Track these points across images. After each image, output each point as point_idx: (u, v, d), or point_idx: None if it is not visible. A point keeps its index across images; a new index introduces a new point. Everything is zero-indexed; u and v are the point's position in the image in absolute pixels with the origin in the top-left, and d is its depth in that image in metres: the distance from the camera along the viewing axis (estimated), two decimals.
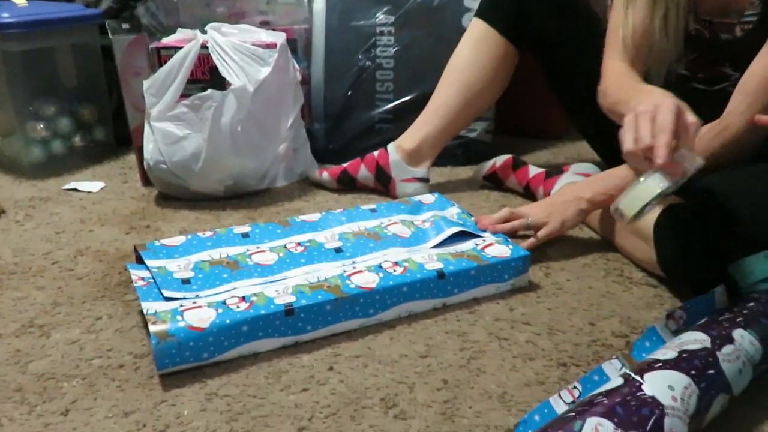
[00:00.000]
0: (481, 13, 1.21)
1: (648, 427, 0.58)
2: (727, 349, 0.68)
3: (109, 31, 1.25)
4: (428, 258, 0.90)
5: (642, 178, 0.76)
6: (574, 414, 0.59)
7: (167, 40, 1.26)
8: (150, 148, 1.19)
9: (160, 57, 1.22)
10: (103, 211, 1.20)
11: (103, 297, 0.91)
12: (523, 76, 1.27)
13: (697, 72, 1.05)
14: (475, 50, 1.21)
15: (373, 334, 0.83)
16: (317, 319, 0.80)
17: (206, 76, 1.23)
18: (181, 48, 1.18)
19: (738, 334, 0.71)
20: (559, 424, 0.58)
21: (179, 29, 1.30)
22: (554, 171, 1.24)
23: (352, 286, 0.83)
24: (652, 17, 0.96)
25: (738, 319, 0.73)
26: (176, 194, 1.23)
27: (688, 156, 0.74)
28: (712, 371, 0.66)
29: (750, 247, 0.80)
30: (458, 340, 0.82)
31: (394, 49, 1.43)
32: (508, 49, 1.19)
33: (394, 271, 0.87)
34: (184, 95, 1.18)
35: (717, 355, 0.67)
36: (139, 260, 0.92)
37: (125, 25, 1.38)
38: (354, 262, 0.90)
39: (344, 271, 0.86)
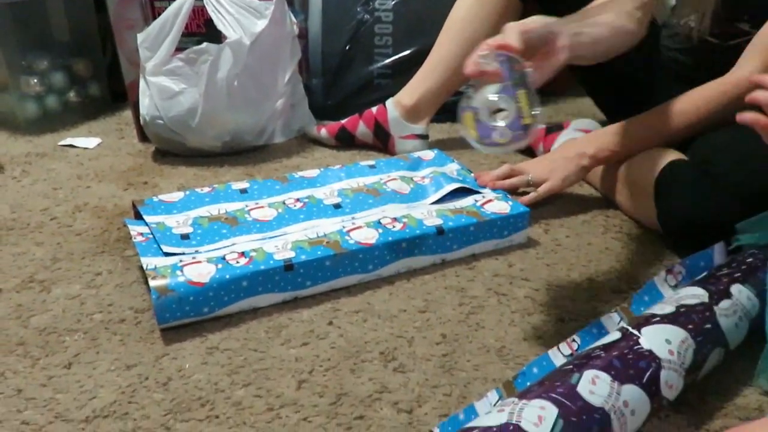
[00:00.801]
0: None
1: (644, 380, 0.59)
2: (725, 303, 0.69)
3: None
4: (427, 214, 0.90)
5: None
6: (571, 367, 0.60)
7: None
8: (146, 104, 1.17)
9: (154, 9, 1.19)
10: (100, 166, 1.19)
11: (102, 253, 0.91)
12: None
13: (714, 27, 1.02)
14: (477, 3, 1.18)
15: (372, 289, 0.84)
16: (317, 275, 0.80)
17: (201, 29, 1.21)
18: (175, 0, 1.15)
19: (736, 289, 0.71)
20: (556, 376, 0.59)
21: None
22: (554, 127, 1.23)
23: (352, 241, 0.83)
24: None
25: (736, 275, 0.73)
26: (173, 150, 1.22)
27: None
28: (709, 325, 0.66)
29: (751, 205, 0.80)
30: (457, 296, 0.83)
31: (393, 2, 1.40)
32: (510, 1, 1.17)
33: (394, 227, 0.87)
34: (180, 49, 1.15)
35: (714, 309, 0.68)
36: (138, 216, 0.91)
37: None
38: (353, 218, 0.89)
39: (343, 227, 0.86)
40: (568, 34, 0.70)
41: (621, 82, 1.20)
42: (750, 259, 0.77)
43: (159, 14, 1.16)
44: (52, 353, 0.71)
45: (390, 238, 0.84)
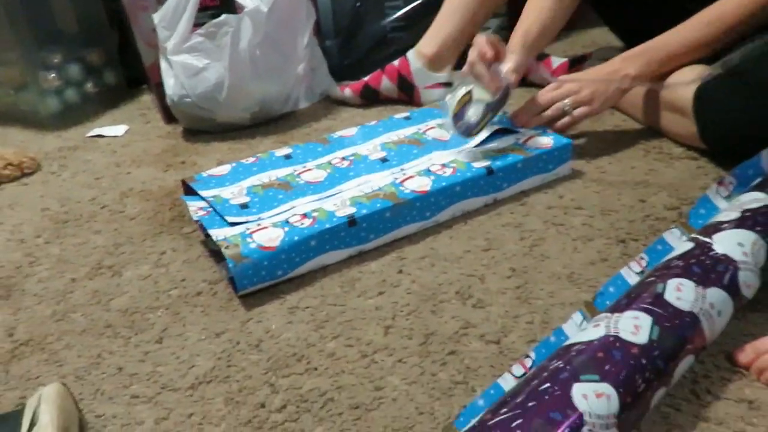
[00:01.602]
0: None
1: (725, 282, 0.61)
2: None
3: None
4: (475, 157, 0.91)
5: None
6: (654, 278, 0.62)
7: None
8: (171, 84, 1.17)
9: None
10: (134, 152, 1.20)
11: (160, 233, 0.93)
12: None
13: None
14: None
15: (432, 235, 0.86)
16: (379, 227, 0.82)
17: (215, 1, 1.20)
18: None
19: None
20: (642, 288, 0.61)
21: None
22: (578, 59, 1.23)
23: (407, 191, 0.85)
24: None
25: None
26: (203, 127, 1.22)
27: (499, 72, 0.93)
28: None
29: None
30: (516, 231, 0.85)
31: None
32: None
33: (444, 173, 0.88)
34: (197, 24, 1.15)
35: None
36: (187, 193, 0.93)
37: None
38: (402, 169, 0.91)
39: (395, 179, 0.88)
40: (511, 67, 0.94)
41: (638, 5, 1.20)
42: None
43: None
44: (140, 331, 0.74)
45: (443, 184, 0.86)
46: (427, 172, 0.89)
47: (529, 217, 0.87)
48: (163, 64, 1.18)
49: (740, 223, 0.68)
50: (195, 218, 0.85)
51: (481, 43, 0.94)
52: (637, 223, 0.83)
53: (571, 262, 0.78)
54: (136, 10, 1.21)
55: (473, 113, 0.93)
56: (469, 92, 0.93)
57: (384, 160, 0.94)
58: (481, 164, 0.89)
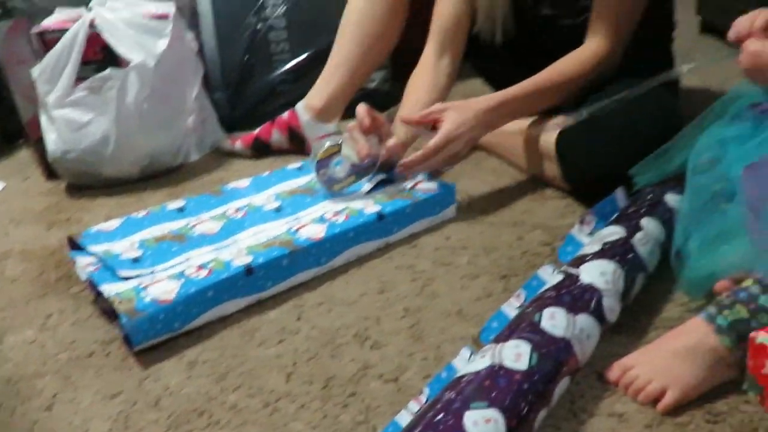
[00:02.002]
0: None
1: (592, 308, 0.69)
2: (639, 235, 0.80)
3: None
4: (366, 203, 0.96)
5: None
6: (531, 309, 0.68)
7: (48, 23, 1.19)
8: (53, 139, 1.14)
9: (46, 41, 1.16)
10: (13, 211, 1.14)
11: (46, 295, 0.89)
12: (413, 22, 1.33)
13: (561, 10, 1.15)
14: (368, 3, 1.25)
15: (328, 281, 0.88)
16: (276, 275, 0.84)
17: (98, 55, 1.19)
18: (67, 29, 1.13)
19: (645, 222, 0.83)
20: (521, 318, 0.67)
21: (57, 9, 1.23)
22: None
23: (302, 238, 0.87)
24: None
25: (642, 210, 0.85)
26: (89, 183, 1.19)
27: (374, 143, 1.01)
28: (630, 255, 0.77)
29: (636, 149, 0.92)
30: (408, 273, 0.89)
31: (284, 9, 1.44)
32: None
33: (337, 219, 0.92)
34: (80, 78, 1.13)
35: (631, 241, 0.79)
36: (75, 251, 0.90)
37: None
38: (297, 218, 0.93)
39: (290, 227, 0.90)
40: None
41: (507, 63, 1.32)
42: (650, 196, 0.89)
43: (51, 46, 1.13)
44: (28, 399, 0.70)
45: (337, 230, 0.89)
46: (321, 219, 0.92)
47: (420, 258, 0.92)
48: (44, 119, 1.15)
49: (602, 254, 0.76)
50: (84, 275, 0.83)
51: (362, 113, 1.01)
52: (516, 260, 0.91)
53: (460, 299, 0.83)
54: (13, 64, 1.18)
55: (341, 169, 1.00)
56: (338, 146, 1.00)
57: (278, 209, 0.96)
58: (372, 210, 0.94)
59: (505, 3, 1.08)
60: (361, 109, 1.02)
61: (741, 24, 0.75)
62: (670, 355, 0.64)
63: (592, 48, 1.05)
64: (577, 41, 1.08)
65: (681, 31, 1.74)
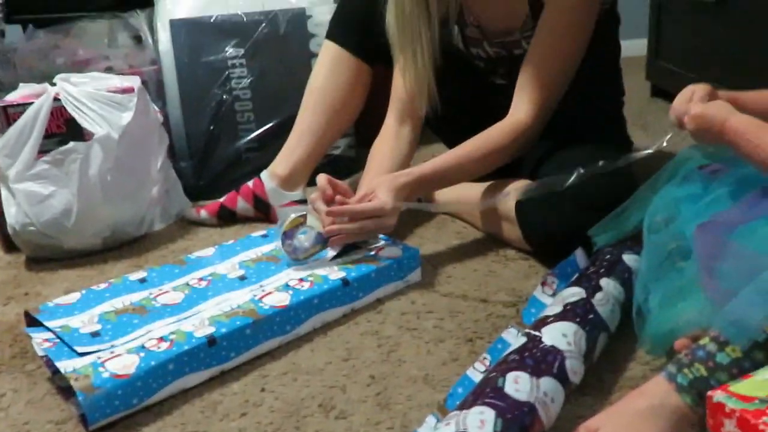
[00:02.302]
0: (331, 36, 1.29)
1: (555, 371, 0.69)
2: (599, 295, 0.82)
3: None
4: (330, 270, 0.96)
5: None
6: (495, 374, 0.68)
7: (12, 97, 1.19)
8: (13, 212, 1.12)
9: (8, 115, 1.16)
10: None
11: (0, 373, 0.86)
12: (376, 89, 1.37)
13: (513, 79, 1.20)
14: (331, 72, 1.29)
15: (293, 349, 0.87)
16: (239, 345, 0.83)
17: (62, 128, 1.19)
18: (30, 104, 1.13)
19: (604, 282, 0.84)
20: (485, 384, 0.67)
21: (21, 84, 1.24)
22: None
23: (266, 307, 0.86)
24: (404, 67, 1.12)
25: (601, 270, 0.87)
26: (49, 255, 1.17)
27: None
28: (591, 315, 0.78)
29: (593, 210, 0.95)
30: (374, 339, 0.89)
31: (249, 80, 1.47)
32: (361, 67, 1.28)
33: (302, 286, 0.92)
34: (42, 152, 1.13)
35: (592, 302, 0.80)
36: (32, 326, 0.88)
37: None
38: (261, 286, 0.93)
39: (254, 296, 0.89)
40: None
41: (465, 128, 1.36)
42: (608, 256, 0.91)
43: (14, 120, 1.13)
44: None
45: (302, 297, 0.89)
46: (286, 286, 0.92)
47: (385, 324, 0.92)
48: (4, 193, 1.14)
49: (563, 315, 0.77)
50: (40, 351, 0.80)
51: (323, 183, 1.02)
52: (481, 322, 0.91)
53: (426, 364, 0.83)
54: None
55: (305, 238, 1.00)
56: (303, 216, 1.01)
57: (243, 278, 0.96)
58: (336, 276, 0.94)
59: (431, 79, 1.12)
60: (322, 179, 1.04)
61: (678, 109, 0.80)
62: (635, 415, 0.64)
63: (513, 122, 1.07)
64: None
65: (633, 96, 1.82)
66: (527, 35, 1.10)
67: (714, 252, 0.73)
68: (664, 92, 2.05)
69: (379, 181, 1.02)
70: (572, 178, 0.90)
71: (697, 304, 0.74)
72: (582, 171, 0.90)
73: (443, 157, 1.07)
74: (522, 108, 1.08)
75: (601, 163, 0.90)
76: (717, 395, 0.56)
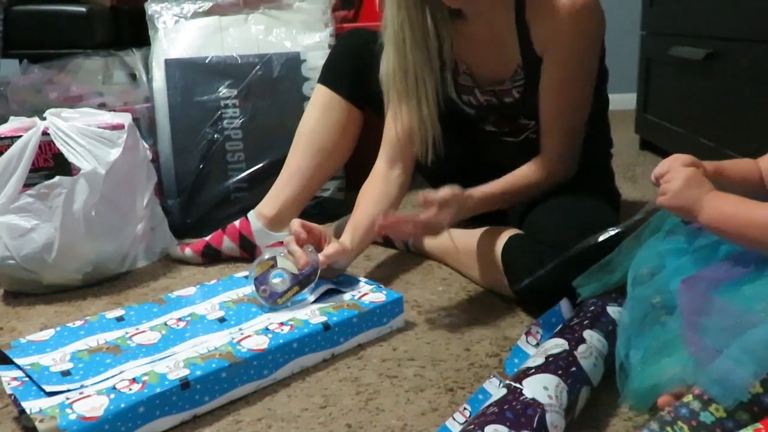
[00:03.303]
0: (323, 80, 1.30)
1: (534, 425, 0.67)
2: (582, 348, 0.80)
3: None
4: (311, 313, 0.94)
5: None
6: (473, 426, 0.66)
7: (1, 130, 1.19)
8: None
9: None
10: None
11: None
12: (367, 133, 1.38)
13: (503, 127, 1.22)
14: (322, 115, 1.30)
15: (270, 394, 0.85)
16: (214, 389, 0.81)
17: (49, 163, 1.19)
18: (19, 137, 1.13)
19: (587, 334, 0.83)
20: None
21: (11, 117, 1.24)
22: None
23: (244, 350, 0.85)
24: (408, 114, 1.13)
25: (585, 322, 0.86)
26: (27, 290, 1.15)
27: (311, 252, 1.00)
28: (574, 368, 0.77)
29: (578, 261, 0.94)
30: (353, 386, 0.87)
31: (241, 120, 1.48)
32: (352, 111, 1.29)
33: (282, 330, 0.90)
34: (27, 185, 1.13)
35: (575, 354, 0.79)
36: (2, 363, 0.85)
37: None
38: (240, 329, 0.91)
39: (233, 338, 0.88)
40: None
41: (454, 175, 1.37)
42: (592, 308, 0.90)
43: (1, 153, 1.13)
44: None
45: (281, 341, 0.87)
46: (265, 330, 0.90)
47: (365, 370, 0.90)
48: None
49: (545, 367, 0.75)
50: (8, 390, 0.78)
51: (296, 226, 1.04)
52: (463, 372, 0.89)
53: (404, 413, 0.80)
54: None
55: (281, 282, 0.98)
56: (273, 258, 1.00)
57: (222, 319, 0.94)
58: (318, 320, 0.92)
59: (435, 126, 1.12)
60: (296, 223, 1.04)
61: (656, 181, 0.80)
62: None
63: (545, 162, 1.09)
64: (520, 156, 1.13)
65: (622, 148, 1.84)
66: (518, 84, 1.11)
67: (698, 307, 0.72)
68: (653, 146, 2.07)
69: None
70: (604, 235, 0.90)
71: (681, 360, 0.72)
72: (613, 230, 0.90)
73: (492, 184, 1.08)
74: (553, 151, 1.10)
75: (612, 229, 0.89)
76: None
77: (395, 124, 1.17)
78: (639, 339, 0.78)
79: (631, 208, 1.50)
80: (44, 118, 1.18)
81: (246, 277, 1.09)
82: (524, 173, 1.10)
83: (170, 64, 1.48)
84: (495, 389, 0.80)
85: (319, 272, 0.99)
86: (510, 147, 1.22)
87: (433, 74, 1.10)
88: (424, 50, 1.09)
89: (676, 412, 0.64)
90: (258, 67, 1.50)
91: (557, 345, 0.80)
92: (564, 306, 0.93)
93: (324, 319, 0.93)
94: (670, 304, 0.78)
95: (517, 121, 1.19)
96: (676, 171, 0.77)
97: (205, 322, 0.93)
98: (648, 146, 2.13)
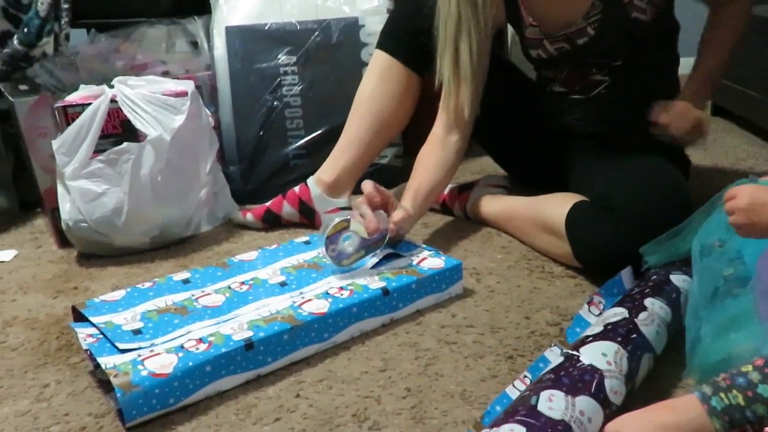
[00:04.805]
0: (382, 45, 1.29)
1: (593, 390, 0.66)
2: (643, 315, 0.79)
3: (7, 95, 1.22)
4: (371, 279, 0.95)
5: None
6: (529, 392, 0.66)
7: (72, 98, 1.23)
8: (67, 208, 1.16)
9: (67, 115, 1.20)
10: (22, 278, 1.15)
11: (45, 364, 0.88)
12: (426, 100, 1.36)
13: (574, 86, 1.18)
14: (381, 81, 1.28)
15: (330, 357, 0.87)
16: (276, 350, 0.83)
17: (117, 129, 1.22)
18: (89, 104, 1.17)
19: (649, 302, 0.81)
20: (518, 402, 0.65)
21: (81, 86, 1.28)
22: (466, 186, 1.33)
23: (305, 313, 0.86)
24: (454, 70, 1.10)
25: (646, 291, 0.84)
26: (99, 252, 1.20)
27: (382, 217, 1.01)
28: (635, 335, 0.75)
29: (646, 230, 0.91)
30: (411, 351, 0.87)
31: (300, 87, 1.48)
32: (411, 77, 1.28)
33: (341, 294, 0.91)
34: (97, 151, 1.16)
35: (635, 321, 0.77)
36: (78, 321, 0.90)
37: (23, 87, 1.34)
38: (301, 293, 0.93)
39: (294, 302, 0.89)
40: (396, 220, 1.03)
41: (517, 146, 1.34)
42: (654, 277, 0.88)
43: (73, 120, 1.17)
44: None
45: (341, 305, 0.88)
46: (326, 294, 0.91)
47: (424, 336, 0.91)
48: (60, 189, 1.17)
49: (603, 335, 0.74)
50: (84, 346, 0.82)
51: (369, 188, 1.03)
52: (523, 340, 0.88)
53: (464, 379, 0.81)
54: (35, 136, 1.21)
55: (349, 244, 0.99)
56: (347, 221, 1.00)
57: (283, 284, 0.96)
58: (377, 285, 0.93)
59: (477, 83, 1.11)
60: (368, 185, 1.03)
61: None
62: (660, 428, 0.61)
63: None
64: (590, 115, 1.09)
65: None
66: (594, 19, 1.07)
67: None
68: (726, 111, 1.97)
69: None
70: None
71: (752, 335, 0.70)
72: None
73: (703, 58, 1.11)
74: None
75: None
76: None
77: (451, 89, 1.14)
78: (709, 311, 0.75)
79: (703, 177, 1.44)
80: (112, 86, 1.21)
81: (306, 243, 1.10)
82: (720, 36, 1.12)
83: (230, 32, 1.49)
84: (556, 357, 0.79)
85: (387, 239, 0.99)
86: (581, 106, 1.17)
87: (479, 28, 1.07)
88: (473, 4, 1.06)
89: (732, 380, 0.61)
90: (316, 33, 1.49)
91: (617, 314, 0.78)
92: (626, 276, 0.91)
93: (383, 284, 0.93)
94: (743, 275, 0.75)
95: (588, 77, 1.14)
96: (740, 189, 0.72)
97: (267, 286, 0.95)
98: (720, 112, 2.02)
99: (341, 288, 0.93)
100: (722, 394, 0.60)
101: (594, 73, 1.14)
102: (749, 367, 0.61)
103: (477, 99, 1.13)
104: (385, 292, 0.92)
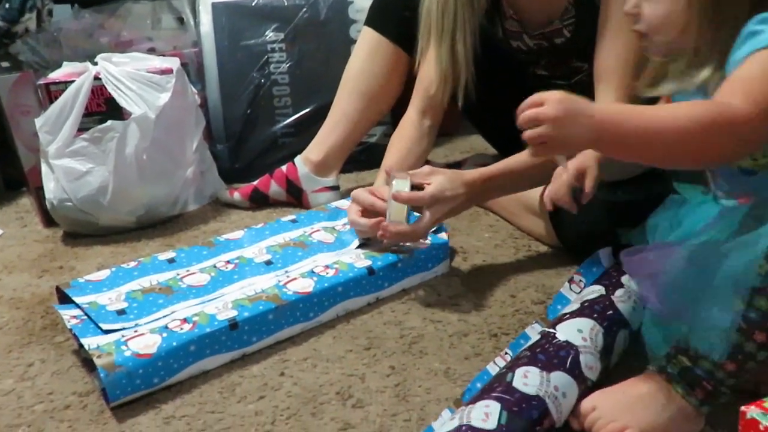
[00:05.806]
0: (370, 22, 1.27)
1: (567, 365, 0.67)
2: (619, 292, 0.79)
3: None
4: (356, 257, 0.95)
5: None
6: (505, 370, 0.67)
7: (55, 75, 1.22)
8: (51, 187, 1.15)
9: (50, 93, 1.18)
10: (7, 257, 1.14)
11: (29, 343, 0.88)
12: (415, 78, 1.34)
13: (555, 71, 1.17)
14: (369, 59, 1.27)
15: (315, 336, 0.87)
16: (261, 329, 0.83)
17: (102, 107, 1.21)
18: (72, 82, 1.15)
19: (625, 278, 0.82)
20: (495, 380, 0.66)
21: (65, 63, 1.26)
22: (453, 165, 1.33)
23: (290, 292, 0.86)
24: (443, 55, 1.07)
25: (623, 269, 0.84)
26: (85, 231, 1.19)
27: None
28: (611, 312, 0.76)
29: (624, 211, 0.92)
30: (396, 329, 0.87)
31: (288, 65, 1.47)
32: (400, 55, 1.26)
33: (327, 273, 0.91)
34: (81, 129, 1.15)
35: (612, 298, 0.78)
36: (63, 300, 0.89)
37: (5, 64, 1.32)
38: (287, 272, 0.93)
39: (279, 281, 0.89)
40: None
41: (503, 121, 1.33)
42: None
43: (56, 98, 1.16)
44: None
45: (326, 284, 0.88)
46: (311, 273, 0.91)
47: (410, 314, 0.91)
48: (44, 168, 1.16)
49: (580, 312, 0.75)
50: (68, 326, 0.82)
51: (360, 197, 0.98)
52: (508, 318, 0.89)
53: (448, 357, 0.81)
54: (17, 115, 1.20)
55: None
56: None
57: (269, 262, 0.96)
58: (362, 264, 0.93)
59: (469, 69, 1.08)
60: (358, 194, 0.99)
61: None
62: (633, 399, 0.64)
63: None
64: None
65: None
66: (568, 23, 1.06)
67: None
68: None
69: (446, 173, 0.96)
70: None
71: None
72: None
73: (511, 161, 0.99)
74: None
75: None
76: (750, 411, 0.53)
77: (427, 70, 1.13)
78: None
79: None
80: (96, 63, 1.20)
81: (292, 221, 1.10)
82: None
83: (217, 8, 1.47)
84: (536, 335, 0.79)
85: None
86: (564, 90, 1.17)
87: (474, 15, 1.06)
88: None
89: (676, 346, 0.64)
90: (304, 9, 1.47)
91: (594, 291, 0.79)
92: (603, 254, 0.91)
93: (368, 263, 0.93)
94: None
95: (569, 64, 1.14)
96: (548, 96, 0.62)
97: (252, 264, 0.95)
98: None
99: (326, 267, 0.93)
100: (673, 361, 0.63)
101: (575, 62, 1.14)
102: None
103: (467, 79, 1.11)
104: (370, 271, 0.92)
